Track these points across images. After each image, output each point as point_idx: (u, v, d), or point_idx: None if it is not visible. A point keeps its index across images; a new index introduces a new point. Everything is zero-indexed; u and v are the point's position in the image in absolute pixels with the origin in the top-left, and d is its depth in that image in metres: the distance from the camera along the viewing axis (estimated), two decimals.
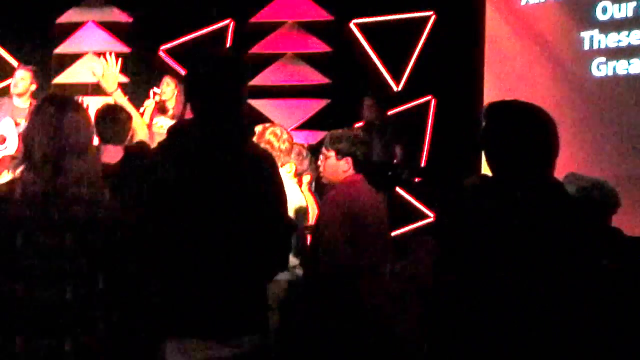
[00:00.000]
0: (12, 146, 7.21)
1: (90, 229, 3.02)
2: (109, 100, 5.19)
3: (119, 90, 5.10)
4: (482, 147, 2.90)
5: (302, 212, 5.15)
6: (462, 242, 2.81)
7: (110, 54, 5.11)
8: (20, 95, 7.55)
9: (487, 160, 2.89)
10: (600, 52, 7.64)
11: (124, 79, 9.88)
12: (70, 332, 2.99)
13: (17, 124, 7.24)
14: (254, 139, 4.96)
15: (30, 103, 7.44)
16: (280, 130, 5.17)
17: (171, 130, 3.21)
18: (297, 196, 5.18)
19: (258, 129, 5.13)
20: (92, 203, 3.04)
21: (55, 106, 3.10)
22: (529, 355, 2.72)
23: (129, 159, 4.74)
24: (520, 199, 2.77)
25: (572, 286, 2.75)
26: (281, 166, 5.01)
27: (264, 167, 3.21)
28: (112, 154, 4.69)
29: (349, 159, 4.72)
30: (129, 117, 4.89)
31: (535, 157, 2.81)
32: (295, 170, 5.39)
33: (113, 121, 4.77)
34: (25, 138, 3.10)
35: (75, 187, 3.02)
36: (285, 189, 4.42)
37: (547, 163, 2.83)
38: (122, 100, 5.04)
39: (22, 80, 7.58)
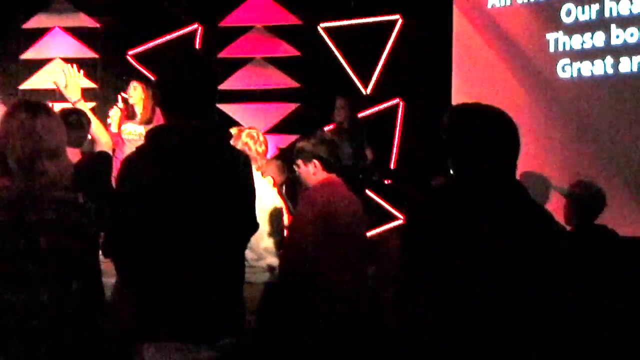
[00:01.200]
0: None
1: (65, 231, 3.03)
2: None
3: (82, 100, 5.10)
4: (445, 150, 2.93)
5: (278, 213, 5.19)
6: (426, 242, 2.83)
7: (72, 65, 5.09)
8: None
9: (450, 162, 2.92)
10: (566, 54, 7.73)
11: (92, 85, 9.90)
12: (45, 335, 2.99)
13: None
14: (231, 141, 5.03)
15: None
16: (256, 133, 5.23)
17: (149, 134, 3.23)
18: (273, 198, 5.21)
19: (234, 131, 5.18)
20: (67, 206, 3.05)
21: (28, 111, 3.12)
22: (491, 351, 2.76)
23: (86, 164, 4.77)
24: (482, 201, 2.81)
25: (534, 287, 2.78)
26: (257, 169, 5.06)
27: (240, 168, 3.25)
28: (70, 156, 4.69)
29: (315, 162, 4.77)
30: (89, 122, 4.92)
31: (496, 160, 2.84)
32: (262, 173, 5.42)
33: (76, 123, 4.80)
34: None
35: (50, 190, 3.04)
36: (263, 191, 4.49)
37: (508, 165, 2.86)
38: (85, 109, 5.05)
39: None
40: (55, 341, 3.01)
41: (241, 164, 3.26)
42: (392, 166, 9.47)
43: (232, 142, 5.01)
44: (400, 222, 8.70)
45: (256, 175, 5.06)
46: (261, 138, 5.21)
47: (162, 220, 3.05)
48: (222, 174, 3.15)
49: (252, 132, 5.24)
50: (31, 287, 2.98)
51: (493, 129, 2.85)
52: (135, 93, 8.23)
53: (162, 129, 3.22)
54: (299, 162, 4.82)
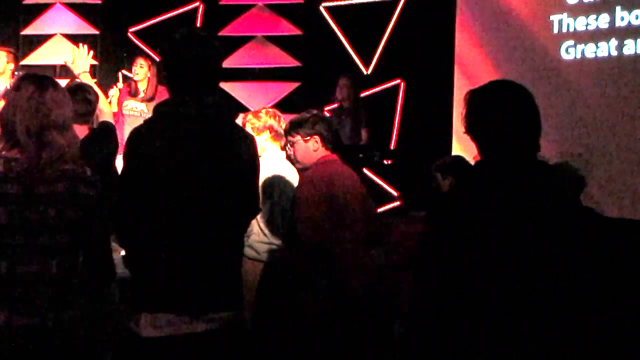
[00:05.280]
0: None
1: (72, 204, 3.04)
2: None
3: (87, 74, 5.12)
4: (470, 132, 2.88)
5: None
6: (456, 224, 2.78)
7: (82, 44, 5.14)
8: None
9: (477, 143, 2.87)
10: (569, 35, 7.70)
11: (92, 62, 9.86)
12: (53, 307, 3.01)
13: None
14: (253, 121, 5.06)
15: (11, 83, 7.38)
16: (275, 113, 5.24)
17: (158, 108, 3.25)
18: (295, 176, 5.15)
19: (253, 111, 5.25)
20: (75, 179, 3.06)
21: (35, 84, 3.12)
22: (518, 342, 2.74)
23: (94, 137, 4.75)
24: (514, 180, 2.77)
25: (571, 269, 2.74)
26: (281, 148, 5.08)
27: (246, 148, 3.26)
28: (78, 133, 4.67)
29: (316, 138, 4.73)
30: (97, 98, 4.90)
31: (524, 135, 2.80)
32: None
33: (83, 100, 4.78)
34: (6, 115, 3.09)
35: (58, 163, 3.04)
36: (289, 172, 4.48)
37: (535, 140, 2.83)
38: (89, 82, 5.05)
39: None
40: (62, 312, 3.03)
41: (247, 143, 3.28)
42: (392, 147, 9.46)
43: (255, 121, 5.07)
44: (397, 203, 8.70)
45: (282, 155, 5.07)
46: (282, 117, 5.24)
47: (165, 193, 3.07)
48: (228, 151, 3.16)
49: (271, 111, 5.28)
50: (41, 260, 3.00)
51: (520, 102, 2.82)
52: (141, 70, 8.28)
53: (172, 103, 3.22)
54: (298, 137, 4.75)
